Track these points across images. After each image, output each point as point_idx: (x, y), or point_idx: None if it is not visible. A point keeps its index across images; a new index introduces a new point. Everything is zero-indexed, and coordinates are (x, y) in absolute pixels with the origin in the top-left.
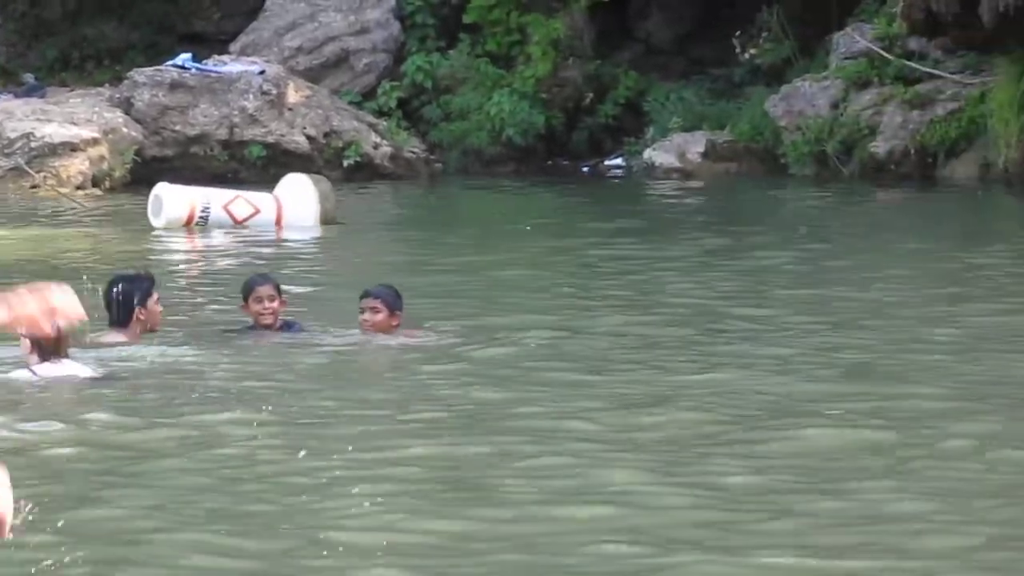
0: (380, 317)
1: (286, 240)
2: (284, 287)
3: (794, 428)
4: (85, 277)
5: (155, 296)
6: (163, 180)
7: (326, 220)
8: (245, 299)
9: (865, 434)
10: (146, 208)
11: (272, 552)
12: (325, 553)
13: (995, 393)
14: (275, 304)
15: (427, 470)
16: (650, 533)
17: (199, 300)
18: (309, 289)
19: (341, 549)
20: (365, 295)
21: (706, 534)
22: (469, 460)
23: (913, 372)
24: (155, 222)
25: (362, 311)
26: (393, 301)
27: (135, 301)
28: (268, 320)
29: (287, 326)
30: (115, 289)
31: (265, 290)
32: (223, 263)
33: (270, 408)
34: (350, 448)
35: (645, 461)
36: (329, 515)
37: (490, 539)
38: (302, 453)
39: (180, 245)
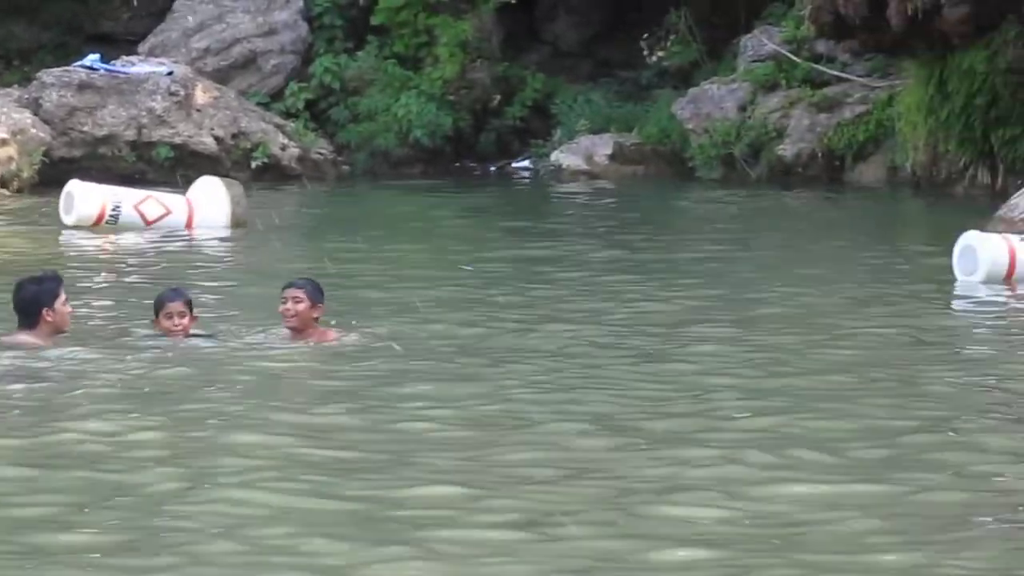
0: (302, 307)
1: (196, 241)
2: (196, 288)
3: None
4: None
5: (62, 297)
6: (75, 179)
7: (237, 223)
8: (156, 314)
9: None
10: (55, 208)
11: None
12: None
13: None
14: (185, 320)
15: (322, 472)
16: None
17: (107, 302)
18: (220, 290)
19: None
20: (288, 285)
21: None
22: (368, 461)
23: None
24: (66, 219)
25: (284, 300)
26: (314, 293)
27: (42, 303)
28: (178, 336)
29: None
30: (22, 291)
31: (175, 306)
32: (132, 263)
33: (159, 411)
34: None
35: (540, 446)
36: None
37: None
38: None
39: (89, 245)
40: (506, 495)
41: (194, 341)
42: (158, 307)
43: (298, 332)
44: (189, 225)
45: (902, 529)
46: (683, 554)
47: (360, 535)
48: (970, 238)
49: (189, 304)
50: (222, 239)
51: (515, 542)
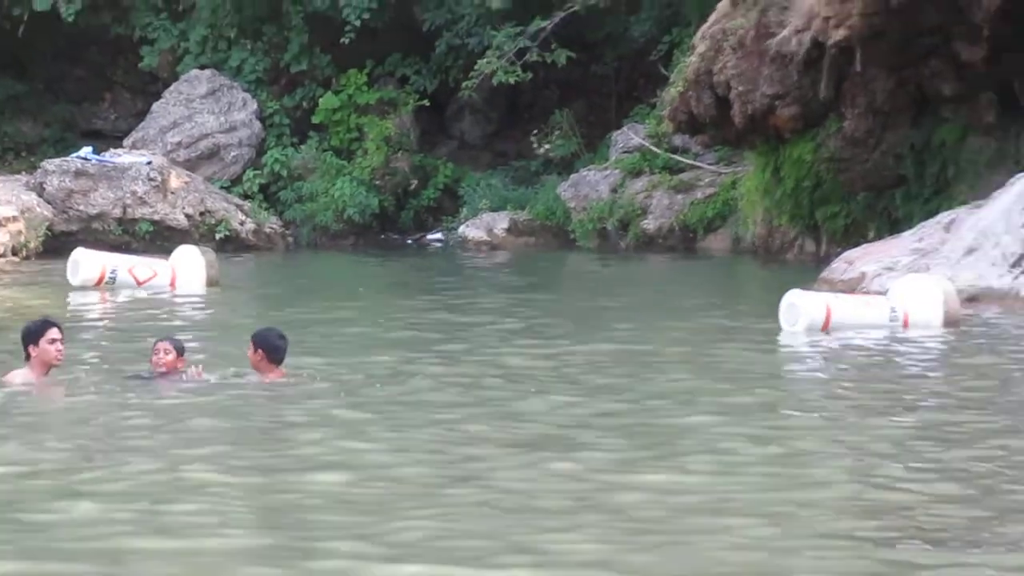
0: (250, 353)
1: (177, 298)
2: (179, 335)
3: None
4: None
5: (48, 336)
6: (74, 249)
7: (211, 283)
8: (36, 341)
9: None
10: (60, 272)
11: None
12: None
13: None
14: (170, 357)
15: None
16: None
17: (104, 345)
18: (198, 337)
19: None
20: (253, 337)
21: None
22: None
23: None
24: (72, 280)
25: (250, 349)
26: (266, 342)
27: (28, 341)
28: (161, 368)
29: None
30: (23, 331)
31: (163, 345)
32: (127, 315)
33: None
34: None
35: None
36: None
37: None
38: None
39: (92, 301)
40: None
41: (181, 379)
42: (154, 344)
43: (260, 373)
44: (172, 285)
45: None
46: None
47: None
48: (793, 295)
49: (180, 349)
50: (199, 296)
51: None
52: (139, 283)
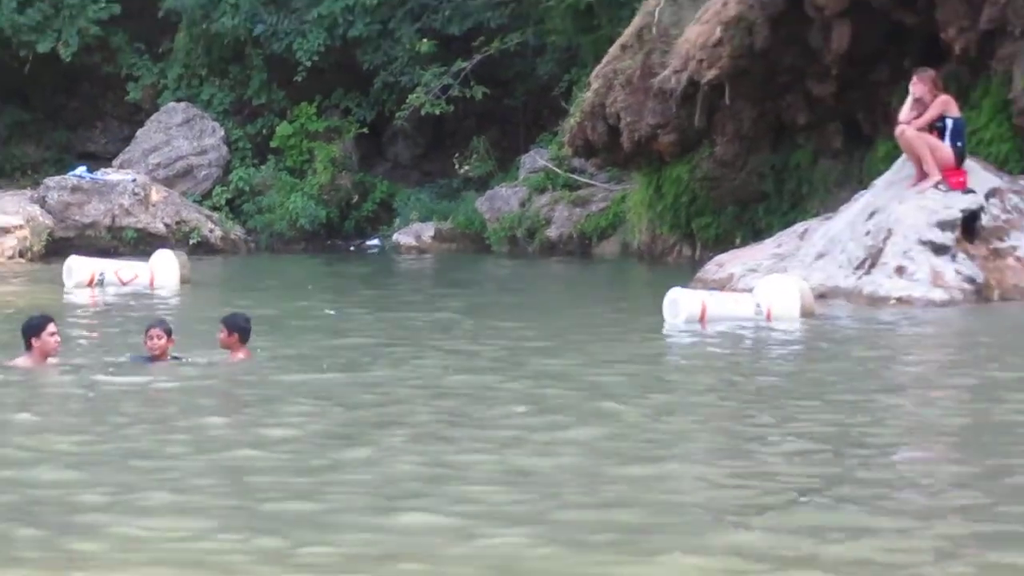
0: (223, 337)
1: (156, 295)
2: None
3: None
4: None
5: (48, 330)
6: (73, 254)
7: (183, 281)
8: (145, 335)
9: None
10: (58, 273)
11: None
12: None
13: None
14: (162, 341)
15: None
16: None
17: (94, 335)
18: (174, 326)
19: None
20: (222, 321)
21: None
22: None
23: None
24: (67, 282)
25: (220, 332)
26: (235, 326)
27: (30, 333)
28: (155, 351)
29: (175, 358)
30: (23, 326)
31: (155, 331)
32: (114, 311)
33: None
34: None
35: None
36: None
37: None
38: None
39: (84, 299)
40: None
41: (168, 362)
42: (146, 330)
43: (232, 351)
44: (151, 284)
45: None
46: None
47: None
48: (674, 292)
49: (168, 332)
50: (174, 292)
51: None
52: (123, 283)
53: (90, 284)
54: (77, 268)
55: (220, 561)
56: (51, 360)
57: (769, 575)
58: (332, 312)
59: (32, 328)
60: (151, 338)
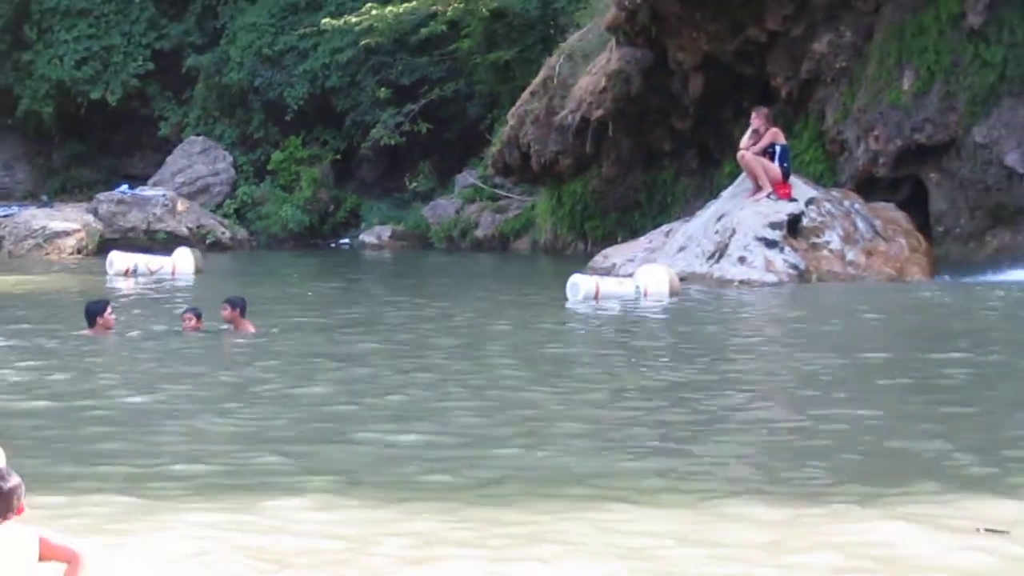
0: (227, 312)
1: (177, 281)
2: (183, 305)
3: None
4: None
5: (109, 309)
6: (114, 250)
7: (198, 271)
8: (102, 313)
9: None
10: (103, 265)
11: None
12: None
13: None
14: (192, 322)
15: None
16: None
17: (134, 311)
18: (191, 304)
19: None
20: (225, 301)
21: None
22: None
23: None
24: (109, 271)
25: (223, 309)
26: (236, 303)
27: (97, 312)
28: (190, 329)
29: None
30: (88, 307)
31: (189, 314)
32: (146, 292)
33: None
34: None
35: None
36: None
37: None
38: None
39: (123, 284)
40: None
41: (199, 334)
42: (185, 313)
43: (236, 325)
44: (173, 273)
45: None
46: None
47: None
48: (575, 278)
49: (198, 315)
50: (191, 279)
51: None
52: (152, 272)
53: (126, 273)
54: (117, 260)
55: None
56: (108, 332)
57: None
58: (311, 294)
59: (98, 309)
60: (185, 319)
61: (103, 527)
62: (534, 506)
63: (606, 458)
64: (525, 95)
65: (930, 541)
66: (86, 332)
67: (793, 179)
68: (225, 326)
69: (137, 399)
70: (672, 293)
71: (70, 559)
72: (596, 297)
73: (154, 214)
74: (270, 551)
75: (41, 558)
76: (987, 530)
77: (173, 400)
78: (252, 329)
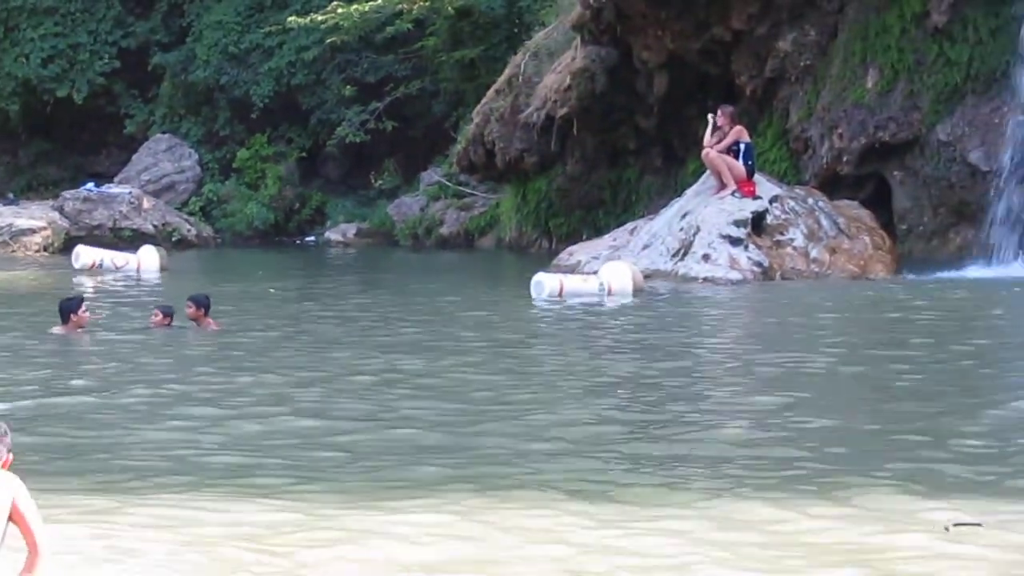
0: (192, 311)
1: (142, 278)
2: (152, 303)
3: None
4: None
5: (83, 307)
6: (80, 245)
7: (163, 268)
8: (76, 310)
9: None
10: (70, 261)
11: None
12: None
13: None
14: (158, 318)
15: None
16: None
17: (100, 308)
18: (155, 303)
19: None
20: (189, 298)
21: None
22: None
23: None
24: (76, 265)
25: (188, 307)
26: (201, 302)
27: (71, 310)
28: (159, 326)
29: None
30: (62, 304)
31: (156, 311)
32: (113, 288)
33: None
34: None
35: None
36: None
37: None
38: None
39: (88, 279)
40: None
41: (165, 331)
42: (154, 309)
43: (199, 323)
44: (139, 270)
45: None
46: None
47: None
48: (539, 276)
49: (167, 312)
50: (155, 276)
51: None
52: (117, 267)
53: (91, 268)
54: (83, 254)
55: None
56: (80, 330)
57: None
58: (273, 291)
59: (73, 305)
60: (154, 315)
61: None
62: (501, 506)
63: (569, 456)
64: (490, 93)
65: (901, 536)
66: (58, 330)
67: (757, 177)
68: (189, 323)
69: (91, 399)
70: (636, 290)
71: (32, 546)
72: (560, 295)
73: (120, 212)
74: (229, 559)
75: (9, 518)
76: (957, 525)
77: (136, 399)
78: (215, 327)
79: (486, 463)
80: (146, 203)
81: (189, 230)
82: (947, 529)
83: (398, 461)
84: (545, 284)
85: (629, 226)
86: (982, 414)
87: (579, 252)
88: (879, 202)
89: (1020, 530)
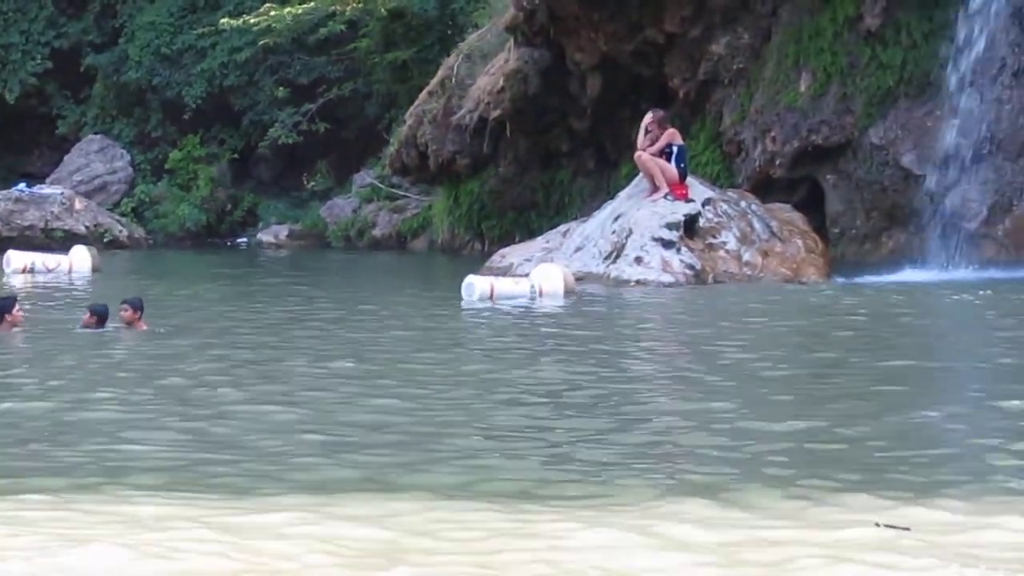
0: (127, 314)
1: (74, 280)
2: (82, 304)
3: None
4: None
5: (16, 307)
6: (11, 248)
7: (94, 269)
8: (10, 311)
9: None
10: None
11: None
12: None
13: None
14: (87, 317)
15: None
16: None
17: (31, 309)
18: (85, 304)
19: None
20: (124, 302)
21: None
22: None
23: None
24: (7, 270)
25: (123, 310)
26: (136, 305)
27: (4, 311)
28: (90, 328)
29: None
30: None
31: (88, 312)
32: (45, 290)
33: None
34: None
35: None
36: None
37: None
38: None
39: (19, 282)
40: None
41: (99, 331)
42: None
43: (130, 325)
44: (70, 271)
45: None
46: None
47: None
48: (470, 279)
49: (99, 314)
50: (87, 277)
51: None
52: (49, 270)
53: (24, 271)
54: (14, 258)
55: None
56: (15, 330)
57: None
58: (202, 293)
59: (6, 305)
60: (87, 314)
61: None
62: (429, 516)
63: (491, 459)
64: (423, 95)
65: (827, 537)
66: None
67: (690, 180)
68: (120, 325)
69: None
70: (567, 293)
71: None
72: (491, 297)
73: (52, 212)
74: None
75: None
76: (887, 526)
77: (72, 402)
78: (145, 327)
79: (407, 470)
80: (78, 204)
81: (121, 231)
82: (878, 525)
83: (300, 464)
84: (476, 286)
85: (562, 228)
86: (915, 418)
87: (511, 254)
88: (812, 205)
89: (945, 535)
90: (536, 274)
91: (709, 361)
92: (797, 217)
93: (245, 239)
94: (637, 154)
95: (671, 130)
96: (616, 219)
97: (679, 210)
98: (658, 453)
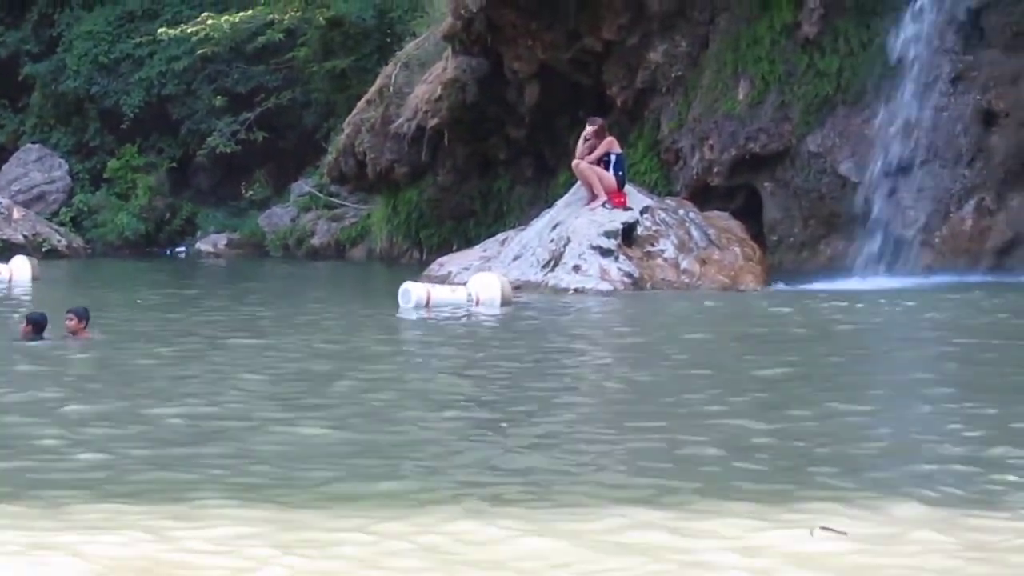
0: (73, 323)
1: (14, 289)
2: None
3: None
4: None
5: None
6: None
7: (34, 278)
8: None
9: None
10: None
11: None
12: None
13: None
14: (23, 327)
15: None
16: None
17: None
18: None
19: None
20: (69, 311)
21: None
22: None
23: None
24: None
25: (68, 319)
26: (82, 314)
27: None
28: (27, 338)
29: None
30: None
31: (25, 322)
32: None
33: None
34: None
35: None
36: None
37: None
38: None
39: None
40: None
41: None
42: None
43: (75, 334)
44: (10, 281)
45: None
46: None
47: None
48: (406, 284)
49: (34, 323)
50: (27, 286)
51: None
52: None
53: None
54: None
55: None
56: None
57: None
58: (140, 301)
59: None
60: (24, 325)
61: None
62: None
63: (430, 474)
64: (361, 103)
65: (768, 541)
66: None
67: (628, 188)
68: (65, 334)
69: None
70: (504, 301)
71: None
72: (427, 304)
73: None
74: None
75: None
76: (824, 528)
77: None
78: (89, 336)
79: (352, 478)
80: (16, 213)
81: (60, 240)
82: (811, 533)
83: (262, 485)
84: (412, 293)
85: (500, 237)
86: (849, 421)
87: (450, 263)
88: (750, 213)
89: (883, 542)
90: (473, 283)
91: (643, 368)
92: (735, 225)
93: (184, 248)
94: (575, 163)
95: (609, 138)
96: (554, 227)
97: (617, 218)
98: (584, 462)
